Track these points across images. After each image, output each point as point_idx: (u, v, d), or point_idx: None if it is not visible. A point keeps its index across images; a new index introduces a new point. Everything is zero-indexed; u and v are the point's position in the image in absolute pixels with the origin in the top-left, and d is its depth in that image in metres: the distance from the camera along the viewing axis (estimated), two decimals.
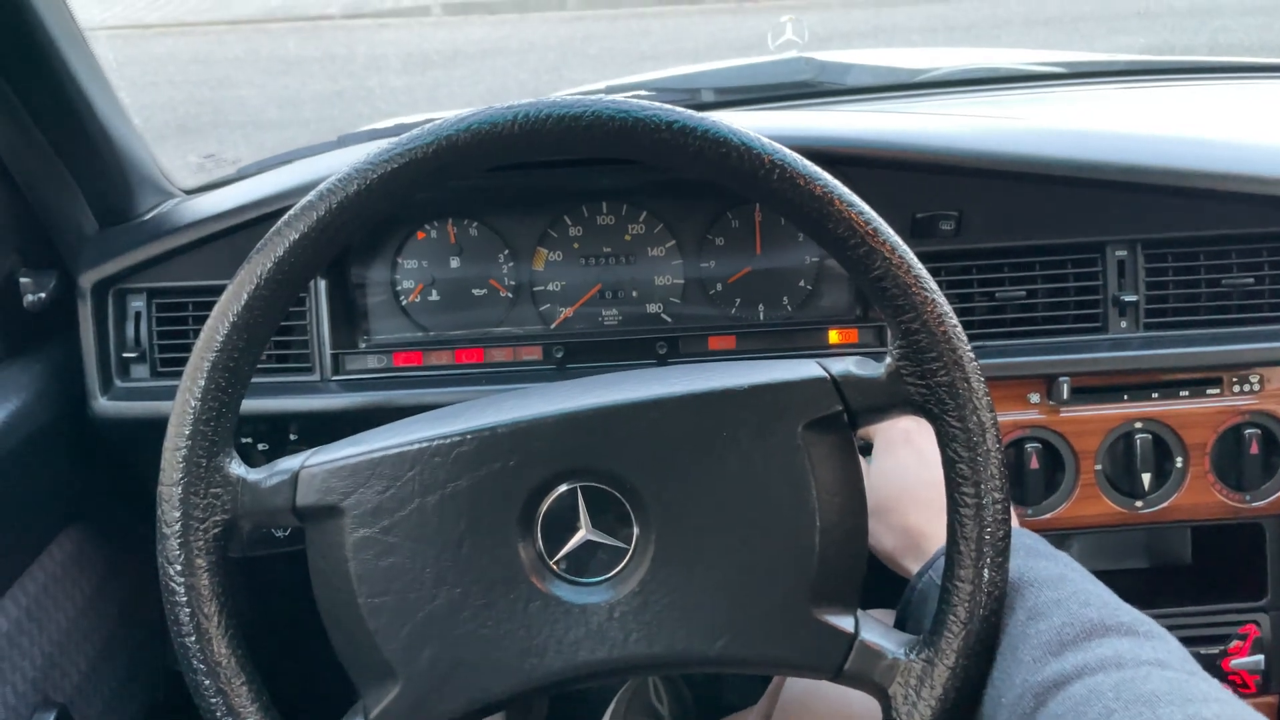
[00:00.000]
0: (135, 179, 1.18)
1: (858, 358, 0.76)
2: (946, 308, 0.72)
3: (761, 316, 1.15)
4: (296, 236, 0.72)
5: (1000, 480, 0.72)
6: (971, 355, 0.72)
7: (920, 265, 0.72)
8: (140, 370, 1.13)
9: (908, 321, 0.72)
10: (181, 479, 0.72)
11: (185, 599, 0.72)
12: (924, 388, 0.73)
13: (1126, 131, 1.15)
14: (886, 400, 0.74)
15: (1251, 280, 1.08)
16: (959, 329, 0.72)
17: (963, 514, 0.73)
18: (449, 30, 6.85)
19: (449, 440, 0.72)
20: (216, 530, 0.73)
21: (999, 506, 0.72)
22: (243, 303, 0.72)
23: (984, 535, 0.72)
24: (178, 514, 0.72)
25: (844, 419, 0.74)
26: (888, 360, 0.74)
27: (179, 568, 0.72)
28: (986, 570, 0.72)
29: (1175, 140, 1.13)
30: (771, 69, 1.47)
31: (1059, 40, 5.31)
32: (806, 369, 0.75)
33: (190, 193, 1.25)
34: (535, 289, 1.16)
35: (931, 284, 0.72)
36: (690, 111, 0.73)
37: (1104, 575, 1.24)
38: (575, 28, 6.65)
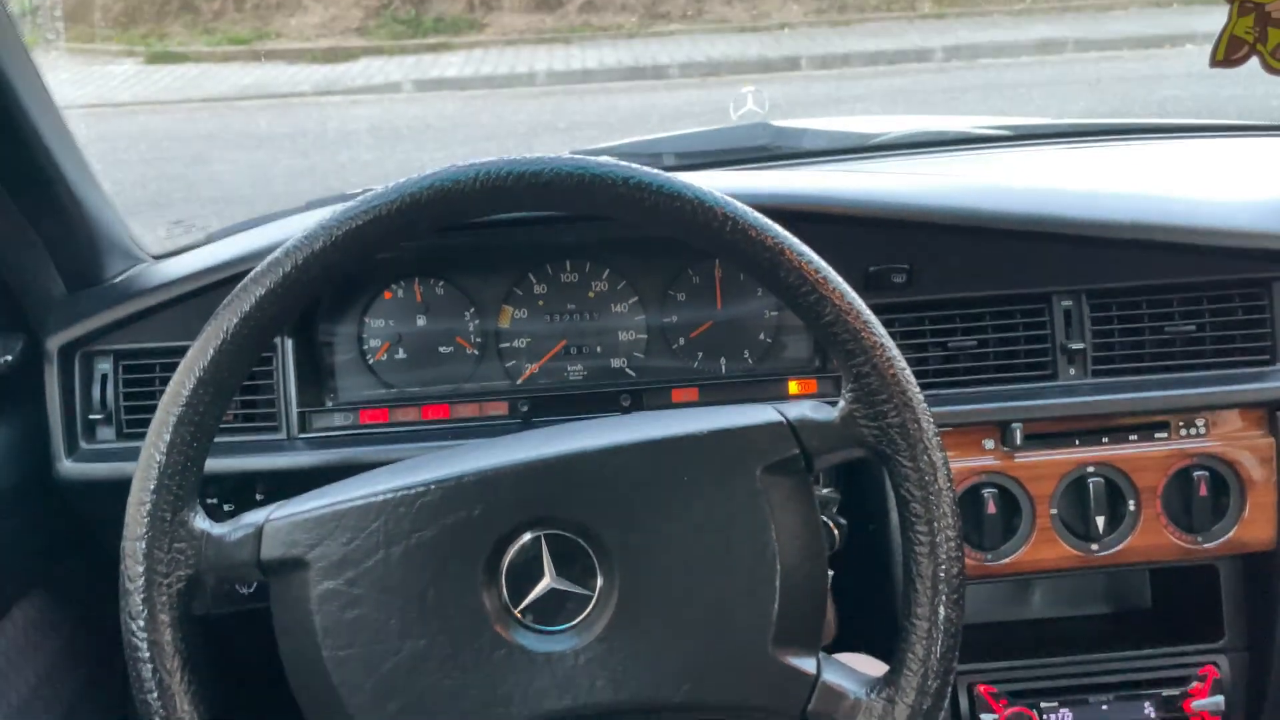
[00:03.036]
0: (104, 244, 1.20)
1: (813, 402, 0.78)
2: (895, 351, 0.75)
3: (723, 369, 1.18)
4: (263, 292, 0.74)
5: (953, 519, 0.74)
6: (920, 397, 0.75)
7: (869, 311, 0.75)
8: (106, 432, 1.13)
9: (859, 365, 0.75)
10: (146, 533, 0.72)
11: (148, 655, 0.72)
12: (876, 429, 0.75)
13: (1068, 188, 1.20)
14: (841, 443, 0.76)
15: (1193, 327, 1.12)
16: (907, 372, 0.75)
17: (917, 552, 0.75)
18: (420, 106, 6.94)
19: (413, 491, 0.74)
20: (180, 585, 0.73)
21: (952, 544, 0.74)
22: (209, 358, 0.73)
23: (938, 573, 0.74)
24: (141, 569, 0.72)
25: (801, 462, 0.76)
26: (841, 404, 0.76)
27: (141, 623, 0.72)
28: (942, 608, 0.74)
29: (1115, 196, 1.18)
30: (731, 134, 1.52)
31: (1013, 108, 5.47)
32: (763, 414, 0.77)
33: (159, 258, 1.27)
34: (501, 345, 1.17)
35: (880, 329, 0.75)
36: (646, 168, 0.76)
37: (1064, 621, 1.27)
38: (544, 103, 6.77)
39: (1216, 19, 0.84)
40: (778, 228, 0.75)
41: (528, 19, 7.74)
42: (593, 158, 0.76)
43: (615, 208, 0.76)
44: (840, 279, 0.75)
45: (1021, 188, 1.19)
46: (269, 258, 0.74)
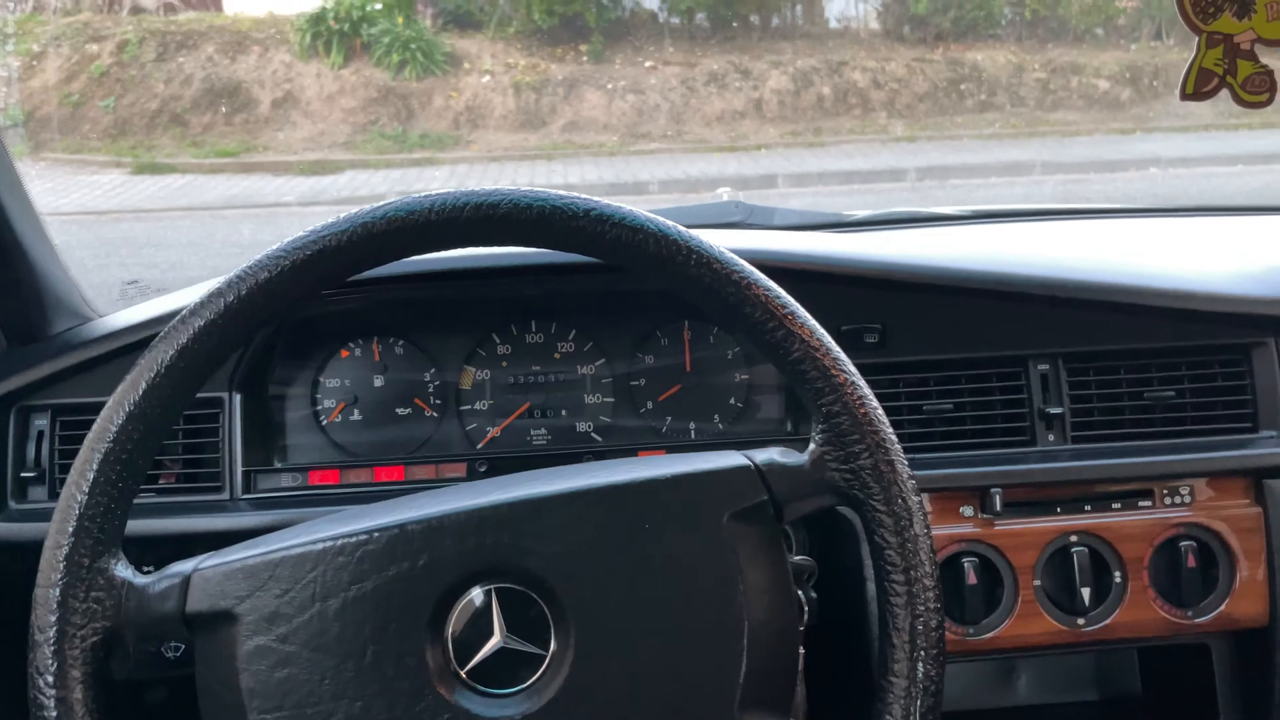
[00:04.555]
0: (51, 301, 1.16)
1: (781, 447, 0.75)
2: (866, 390, 0.72)
3: (692, 433, 1.14)
4: (201, 324, 0.70)
5: (930, 567, 0.70)
6: (894, 438, 0.71)
7: (838, 349, 0.72)
8: (38, 492, 1.07)
9: (828, 404, 0.71)
10: (61, 579, 0.67)
11: (55, 714, 0.65)
12: (848, 472, 0.71)
13: (1042, 251, 1.19)
14: (811, 488, 0.72)
15: (1173, 393, 1.10)
16: (879, 411, 0.71)
17: (893, 604, 0.70)
18: None
19: (354, 539, 0.68)
20: (96, 639, 0.67)
21: (930, 595, 0.70)
22: (140, 391, 0.69)
23: (916, 626, 0.69)
24: (53, 618, 0.67)
25: (769, 510, 0.72)
26: (811, 447, 0.73)
27: (50, 679, 0.66)
28: (921, 664, 0.69)
29: (1089, 260, 1.17)
30: (702, 210, 1.52)
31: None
32: (730, 459, 0.73)
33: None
34: (462, 408, 1.13)
35: (850, 366, 0.72)
36: (608, 202, 0.73)
37: (1052, 709, 1.21)
38: None
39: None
40: (743, 262, 0.73)
41: (512, 137, 7.95)
42: (552, 190, 0.73)
43: (574, 241, 0.73)
44: (808, 315, 0.73)
45: (994, 251, 1.18)
46: (210, 289, 0.71)
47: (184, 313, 0.70)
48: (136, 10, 8.40)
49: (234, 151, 7.78)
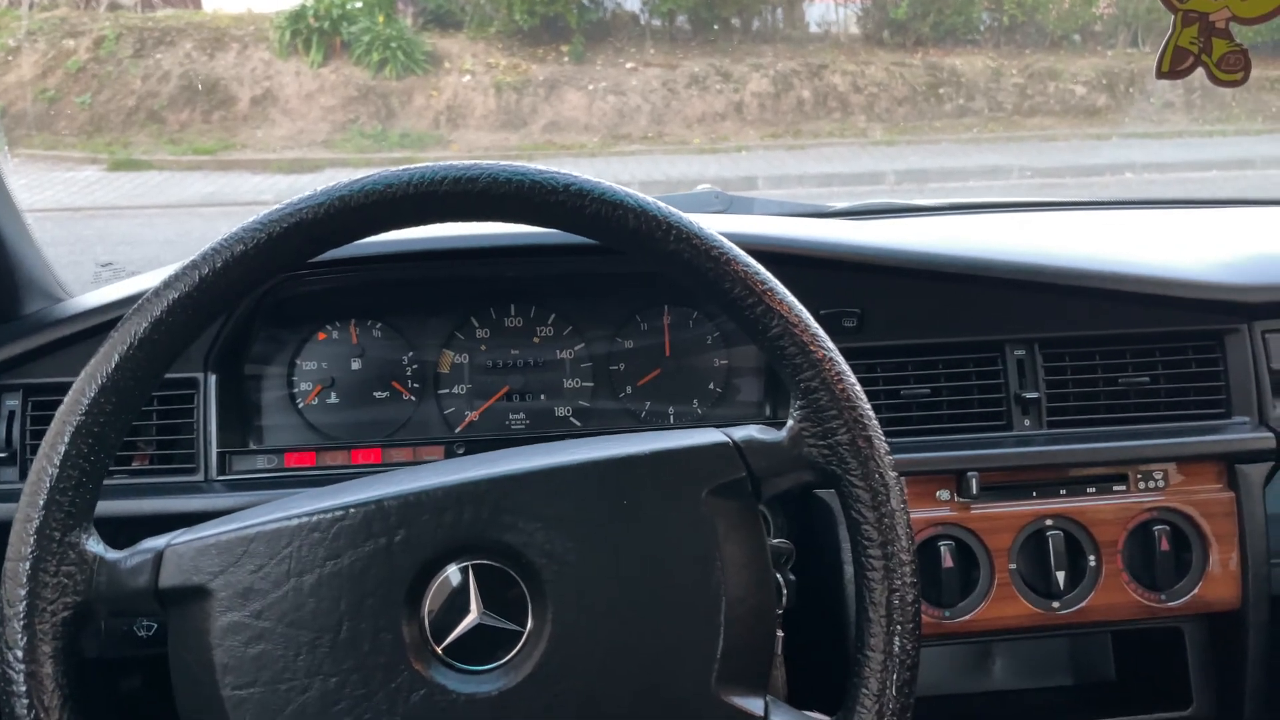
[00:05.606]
0: (23, 281, 1.15)
1: (760, 425, 0.75)
2: (844, 366, 0.72)
3: (672, 419, 1.14)
4: (176, 296, 0.70)
5: (907, 541, 0.70)
6: (871, 413, 0.72)
7: (816, 325, 0.73)
8: (9, 473, 1.06)
9: (806, 380, 0.72)
10: (32, 553, 0.66)
11: (24, 688, 0.64)
12: (825, 448, 0.71)
13: (1019, 238, 1.20)
14: (789, 464, 0.73)
15: (1147, 379, 1.11)
16: (857, 388, 0.72)
17: (870, 578, 0.70)
18: None
19: (330, 514, 0.68)
20: (66, 614, 0.66)
21: (907, 569, 0.70)
22: (113, 364, 0.68)
23: (893, 600, 0.69)
24: (24, 592, 0.66)
25: (748, 486, 0.72)
26: (789, 423, 0.73)
27: (20, 653, 0.65)
28: (897, 639, 0.69)
29: (1066, 247, 1.17)
30: (683, 200, 1.52)
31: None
32: (709, 435, 0.74)
33: None
34: (440, 392, 1.13)
35: (828, 343, 0.72)
36: (589, 177, 0.73)
37: (1027, 694, 1.21)
38: None
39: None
40: (722, 238, 0.73)
41: (492, 137, 7.93)
42: (531, 165, 0.73)
43: (553, 216, 0.73)
44: (787, 291, 0.73)
45: (971, 237, 1.18)
46: (186, 262, 0.70)
47: (159, 285, 0.70)
48: (114, 6, 8.33)
49: (212, 149, 7.72)
